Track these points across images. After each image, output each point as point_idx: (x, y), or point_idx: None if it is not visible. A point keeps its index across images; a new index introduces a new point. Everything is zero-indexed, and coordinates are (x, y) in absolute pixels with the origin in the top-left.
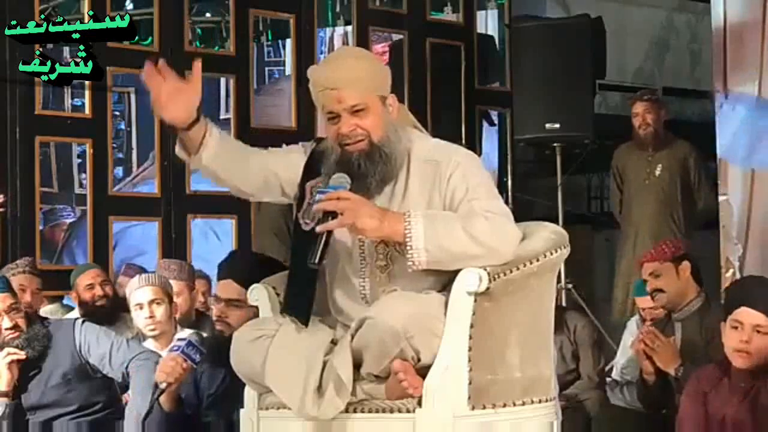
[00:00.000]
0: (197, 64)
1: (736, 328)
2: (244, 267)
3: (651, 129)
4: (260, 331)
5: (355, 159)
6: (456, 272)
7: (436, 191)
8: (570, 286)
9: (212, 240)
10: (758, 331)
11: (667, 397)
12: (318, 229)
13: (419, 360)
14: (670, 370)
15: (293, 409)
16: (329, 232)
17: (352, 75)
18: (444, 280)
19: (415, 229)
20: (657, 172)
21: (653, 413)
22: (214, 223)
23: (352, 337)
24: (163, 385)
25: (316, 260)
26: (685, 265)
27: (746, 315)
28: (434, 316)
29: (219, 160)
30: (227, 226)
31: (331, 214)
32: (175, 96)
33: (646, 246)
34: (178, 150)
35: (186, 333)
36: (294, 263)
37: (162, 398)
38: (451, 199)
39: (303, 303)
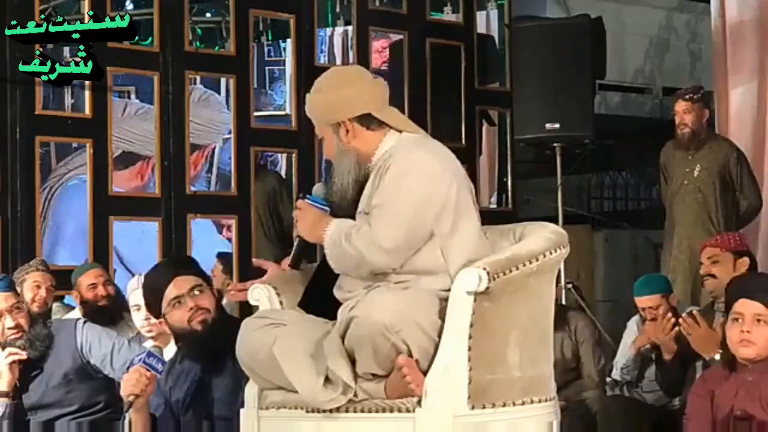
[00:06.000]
0: None
1: (737, 320)
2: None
3: (688, 129)
4: (269, 319)
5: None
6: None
7: (375, 189)
8: (570, 285)
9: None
10: (759, 320)
11: (686, 382)
12: (294, 234)
13: (410, 355)
14: (705, 354)
15: (302, 394)
16: (303, 239)
17: (310, 113)
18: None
19: (326, 236)
20: (695, 173)
21: (662, 406)
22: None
23: (343, 339)
24: (131, 398)
25: (290, 263)
26: (745, 260)
27: (745, 306)
28: (421, 309)
29: None
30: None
31: None
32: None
33: (683, 246)
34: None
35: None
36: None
37: (132, 415)
38: (373, 197)
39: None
